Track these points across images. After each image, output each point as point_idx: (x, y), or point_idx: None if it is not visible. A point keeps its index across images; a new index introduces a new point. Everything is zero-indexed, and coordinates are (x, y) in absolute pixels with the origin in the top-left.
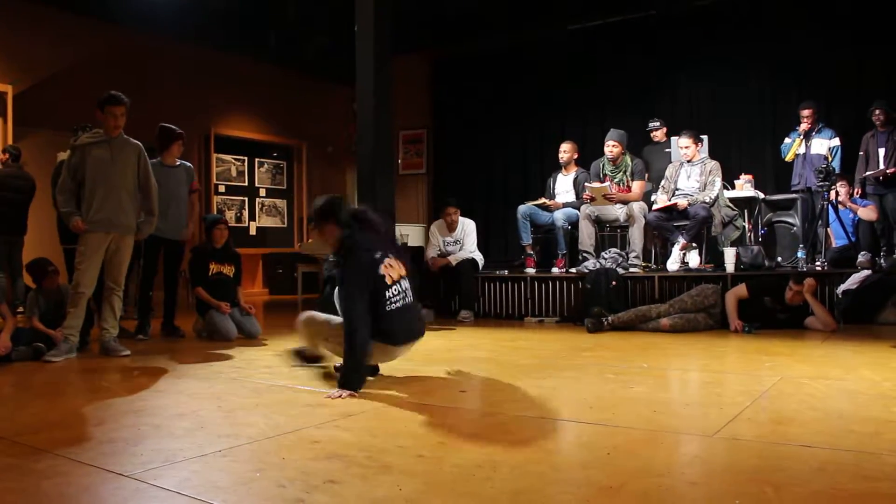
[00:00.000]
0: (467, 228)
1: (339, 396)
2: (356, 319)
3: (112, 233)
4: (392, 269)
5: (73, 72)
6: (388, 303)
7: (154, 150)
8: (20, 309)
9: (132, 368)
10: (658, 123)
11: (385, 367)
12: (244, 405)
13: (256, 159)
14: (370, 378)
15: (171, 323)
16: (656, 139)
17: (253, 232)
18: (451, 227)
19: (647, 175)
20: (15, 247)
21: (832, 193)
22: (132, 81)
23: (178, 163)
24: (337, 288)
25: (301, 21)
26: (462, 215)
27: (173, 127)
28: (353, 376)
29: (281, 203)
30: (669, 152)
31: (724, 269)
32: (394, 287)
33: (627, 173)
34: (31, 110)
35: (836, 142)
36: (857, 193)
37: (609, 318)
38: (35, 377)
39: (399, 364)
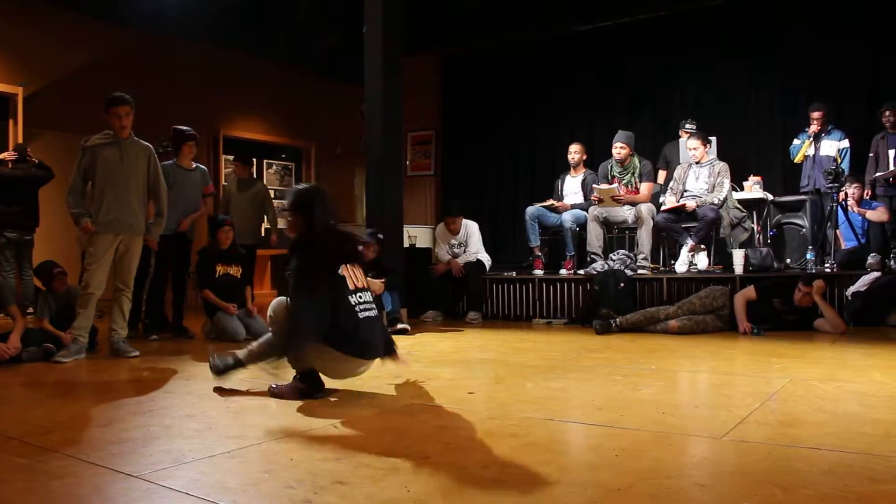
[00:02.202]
0: (470, 230)
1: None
2: (304, 316)
3: (121, 234)
4: (355, 276)
5: (83, 74)
6: (357, 309)
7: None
8: (30, 310)
9: (141, 369)
10: (693, 127)
11: (393, 369)
12: (253, 406)
13: (265, 160)
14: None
15: (179, 324)
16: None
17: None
18: (454, 231)
19: (656, 176)
20: (24, 246)
21: (841, 195)
22: (141, 83)
23: (193, 165)
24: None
25: (310, 21)
26: (470, 217)
27: (184, 128)
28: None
29: None
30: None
31: (733, 270)
32: (358, 294)
33: (636, 175)
34: (41, 112)
35: (846, 143)
36: (868, 195)
37: (617, 319)
38: (45, 378)
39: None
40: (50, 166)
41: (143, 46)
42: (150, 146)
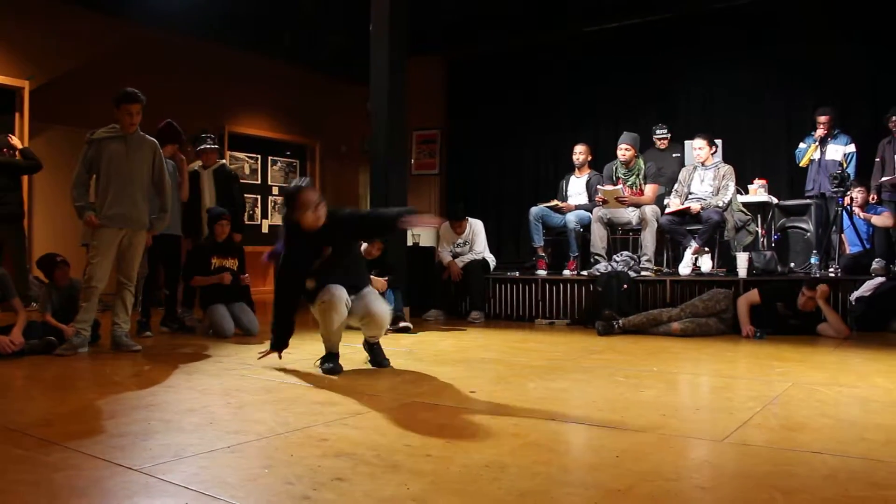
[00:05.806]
0: (475, 228)
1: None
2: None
3: (125, 228)
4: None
5: (89, 68)
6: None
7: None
8: (32, 304)
9: (143, 363)
10: (665, 130)
11: (395, 367)
12: (253, 402)
13: (270, 157)
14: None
15: (174, 318)
16: (662, 147)
17: (265, 230)
18: (459, 233)
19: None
20: (11, 236)
21: (847, 199)
22: (148, 78)
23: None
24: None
25: (317, 20)
26: (474, 216)
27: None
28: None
29: None
30: (677, 157)
31: (737, 273)
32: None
33: (640, 176)
34: (47, 106)
35: (852, 148)
36: (874, 200)
37: (620, 321)
38: (47, 371)
39: (409, 363)
40: (37, 156)
41: (149, 43)
42: (156, 141)
